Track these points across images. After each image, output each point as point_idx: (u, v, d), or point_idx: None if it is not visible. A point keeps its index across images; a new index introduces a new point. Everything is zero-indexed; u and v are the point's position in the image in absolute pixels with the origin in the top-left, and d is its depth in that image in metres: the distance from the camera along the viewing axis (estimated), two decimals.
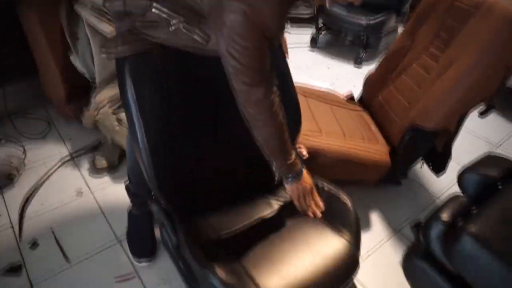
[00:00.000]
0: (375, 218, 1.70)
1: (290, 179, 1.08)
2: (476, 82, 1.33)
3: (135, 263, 1.41)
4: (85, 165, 1.85)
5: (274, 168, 1.07)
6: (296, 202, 1.13)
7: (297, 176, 1.08)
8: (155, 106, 1.02)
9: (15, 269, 1.37)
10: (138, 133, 1.00)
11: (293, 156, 1.06)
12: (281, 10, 0.86)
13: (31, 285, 1.33)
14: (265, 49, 0.88)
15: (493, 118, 2.48)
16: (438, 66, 1.50)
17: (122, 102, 1.04)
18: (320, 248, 1.08)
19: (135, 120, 1.00)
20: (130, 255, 1.43)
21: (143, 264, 1.40)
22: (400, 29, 3.00)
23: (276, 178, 1.09)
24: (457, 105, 1.40)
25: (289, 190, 1.11)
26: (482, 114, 1.47)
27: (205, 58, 1.01)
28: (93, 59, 1.75)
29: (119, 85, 1.02)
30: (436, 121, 1.44)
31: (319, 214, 1.14)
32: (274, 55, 0.94)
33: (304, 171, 1.10)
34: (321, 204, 1.15)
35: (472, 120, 1.62)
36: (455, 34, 1.47)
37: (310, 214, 1.14)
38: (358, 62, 2.99)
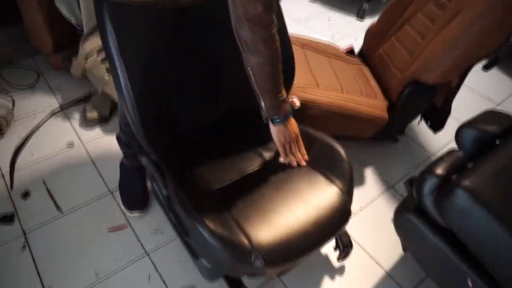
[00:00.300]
0: (370, 175, 1.69)
1: (277, 120, 1.04)
2: (482, 33, 1.26)
3: (127, 213, 1.41)
4: (76, 117, 1.81)
5: (262, 107, 1.03)
6: (280, 148, 1.10)
7: (285, 118, 1.05)
8: (139, 54, 0.96)
9: (7, 218, 1.38)
10: (122, 82, 0.95)
11: (284, 94, 1.02)
12: None
13: (24, 233, 1.34)
14: None
15: (496, 75, 2.41)
16: (444, 16, 1.42)
17: (104, 49, 0.98)
18: (312, 197, 1.07)
19: (118, 68, 0.95)
20: (122, 206, 1.42)
21: (135, 214, 1.41)
22: None
23: (263, 117, 1.06)
24: (461, 58, 1.33)
25: (275, 133, 1.08)
26: (486, 67, 1.41)
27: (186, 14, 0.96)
28: (79, 5, 1.66)
29: (99, 30, 0.96)
30: (437, 75, 1.38)
31: (303, 163, 1.12)
32: None
33: (292, 118, 1.08)
34: (305, 154, 1.13)
35: (474, 76, 1.56)
36: None
37: (294, 162, 1.12)
38: (360, 15, 2.85)
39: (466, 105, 1.98)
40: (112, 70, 0.98)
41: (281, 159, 1.13)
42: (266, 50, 0.92)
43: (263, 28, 0.89)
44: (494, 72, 2.41)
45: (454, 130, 1.19)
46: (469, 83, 2.03)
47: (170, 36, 1.00)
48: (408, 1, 1.63)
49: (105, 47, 0.96)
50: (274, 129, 1.07)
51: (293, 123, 1.09)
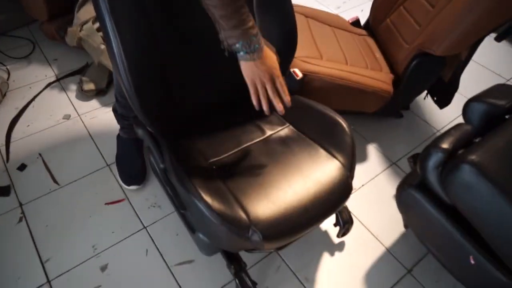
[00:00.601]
0: (372, 151, 1.65)
1: (241, 53, 0.85)
2: (495, 3, 1.19)
3: (125, 187, 1.39)
4: (72, 89, 1.76)
5: (221, 34, 0.84)
6: (250, 89, 0.91)
7: (252, 51, 0.84)
8: (133, 21, 0.91)
9: (3, 190, 1.36)
10: (115, 49, 0.90)
11: (248, 15, 0.83)
12: None
13: (21, 205, 1.32)
14: None
15: (506, 50, 2.32)
16: None
17: (96, 14, 0.92)
18: (313, 171, 1.03)
19: (111, 33, 0.89)
20: (120, 180, 1.40)
21: (132, 187, 1.38)
22: None
23: (222, 46, 0.86)
24: (473, 28, 1.26)
25: (243, 70, 0.89)
26: (499, 37, 1.34)
27: None
28: None
29: None
30: (447, 46, 1.32)
31: (280, 107, 0.90)
32: None
33: (266, 49, 0.89)
34: (287, 97, 0.92)
35: (482, 50, 1.49)
36: None
37: (266, 107, 0.91)
38: None
39: (473, 80, 1.91)
40: (105, 37, 0.93)
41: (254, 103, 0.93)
42: None
43: None
44: (504, 46, 2.32)
45: (460, 106, 1.14)
46: (476, 58, 1.95)
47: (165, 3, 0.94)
48: None
49: (97, 12, 0.91)
50: (242, 65, 0.88)
51: (268, 56, 0.89)
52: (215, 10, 0.81)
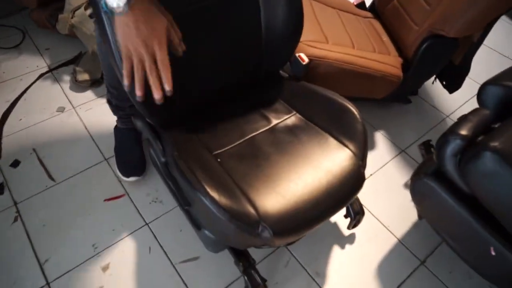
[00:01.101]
0: (380, 138, 1.59)
1: (104, 7, 0.65)
2: None
3: (124, 179, 1.33)
4: (66, 79, 1.68)
5: None
6: (123, 62, 0.70)
7: (121, 2, 0.63)
8: None
9: None
10: (109, 32, 0.83)
11: None
12: None
13: (15, 203, 1.26)
14: None
15: None
16: None
17: (92, 4, 0.84)
18: (323, 161, 0.98)
19: (104, 17, 0.82)
20: (119, 173, 1.34)
21: (132, 179, 1.32)
22: None
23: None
24: (489, 6, 1.19)
25: (116, 32, 0.69)
26: None
27: None
28: None
29: None
30: (460, 27, 1.25)
31: (158, 97, 0.71)
32: None
33: (153, 8, 0.68)
34: (168, 82, 0.71)
35: (494, 33, 1.42)
36: None
37: (140, 88, 0.70)
38: None
39: (482, 63, 1.84)
40: (98, 23, 0.85)
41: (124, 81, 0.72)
42: None
43: None
44: None
45: (469, 90, 1.08)
46: (487, 41, 1.89)
47: None
48: None
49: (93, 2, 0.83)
50: (115, 26, 0.69)
51: (153, 22, 0.68)
52: None
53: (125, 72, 0.71)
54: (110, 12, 0.66)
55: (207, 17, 0.98)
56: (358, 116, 1.05)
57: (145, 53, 0.68)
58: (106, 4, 0.65)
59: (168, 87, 0.72)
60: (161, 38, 0.69)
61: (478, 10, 1.20)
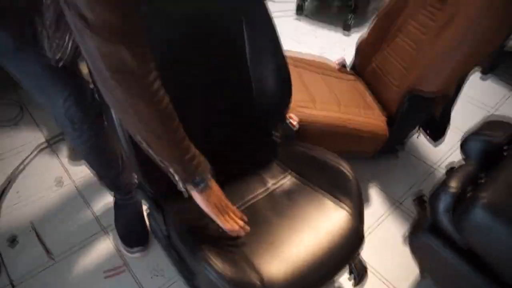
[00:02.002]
0: (373, 193, 1.63)
1: (199, 186, 0.85)
2: (480, 37, 1.23)
3: (126, 253, 1.32)
4: (64, 152, 1.72)
5: (172, 177, 0.84)
6: (217, 218, 0.90)
7: (204, 182, 0.85)
8: None
9: None
10: (115, 119, 0.88)
11: (194, 151, 0.83)
12: None
13: (13, 285, 1.23)
14: None
15: (487, 82, 2.40)
16: (435, 25, 1.40)
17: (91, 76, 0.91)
18: (322, 223, 1.01)
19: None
20: (119, 246, 1.33)
21: (136, 254, 1.31)
22: None
23: (178, 187, 0.86)
24: (458, 66, 1.30)
25: (203, 204, 0.88)
26: (483, 73, 1.38)
27: None
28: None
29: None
30: (436, 85, 1.35)
31: (245, 231, 0.93)
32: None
33: (213, 181, 0.89)
34: (243, 217, 0.95)
35: (467, 84, 1.53)
36: None
37: (241, 228, 0.92)
38: (346, 29, 2.85)
39: (461, 112, 1.95)
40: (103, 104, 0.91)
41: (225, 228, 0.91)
42: (147, 108, 0.70)
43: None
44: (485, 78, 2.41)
45: (452, 140, 1.15)
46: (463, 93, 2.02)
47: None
48: (397, 13, 1.61)
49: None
50: (199, 199, 0.88)
51: (216, 188, 0.90)
52: (151, 141, 0.77)
53: (224, 224, 0.90)
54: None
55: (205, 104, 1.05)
56: (351, 175, 1.09)
57: (227, 206, 0.92)
58: (199, 189, 0.86)
59: (245, 220, 0.95)
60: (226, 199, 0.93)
61: (451, 69, 1.31)
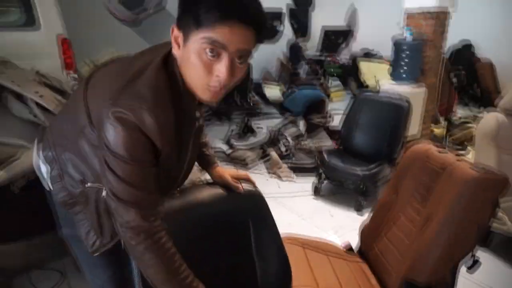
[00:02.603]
0: None
1: None
2: (453, 236, 1.44)
3: None
4: None
5: None
6: None
7: None
8: None
9: None
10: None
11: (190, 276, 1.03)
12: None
13: None
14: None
15: (491, 262, 2.46)
16: (420, 220, 1.64)
17: None
18: None
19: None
20: None
21: None
22: None
23: None
24: (442, 258, 1.47)
25: None
26: (470, 268, 1.52)
27: None
28: None
29: None
30: (426, 275, 1.49)
31: None
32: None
33: None
34: None
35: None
36: (431, 191, 1.65)
37: None
38: (359, 209, 3.15)
39: None
40: None
41: None
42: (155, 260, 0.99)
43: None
44: (489, 260, 2.47)
45: None
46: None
47: None
48: (390, 206, 1.88)
49: None
50: None
51: None
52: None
53: None
54: None
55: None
56: None
57: None
58: None
59: None
60: None
61: (435, 262, 1.48)
